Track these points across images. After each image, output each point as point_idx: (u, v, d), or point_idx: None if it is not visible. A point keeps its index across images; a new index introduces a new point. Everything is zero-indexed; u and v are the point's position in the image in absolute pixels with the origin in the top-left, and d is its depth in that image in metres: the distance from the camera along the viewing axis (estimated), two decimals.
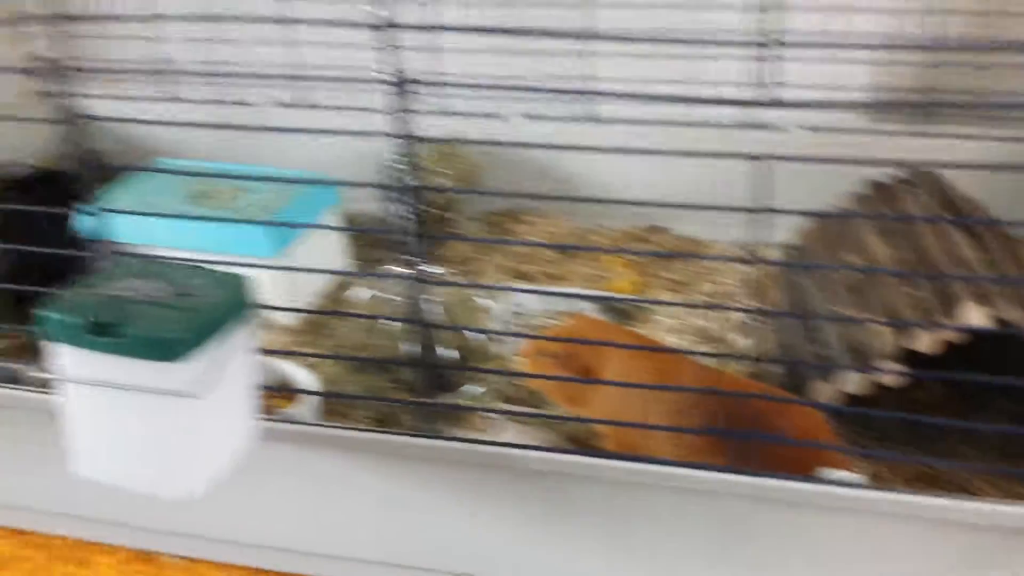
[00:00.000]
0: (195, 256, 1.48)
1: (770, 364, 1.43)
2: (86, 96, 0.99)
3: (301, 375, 1.37)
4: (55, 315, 0.89)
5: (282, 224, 1.62)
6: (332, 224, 1.83)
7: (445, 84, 0.81)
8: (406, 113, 0.81)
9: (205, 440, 0.96)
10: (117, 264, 1.01)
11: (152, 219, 1.59)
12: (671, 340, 1.59)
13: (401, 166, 0.87)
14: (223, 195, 1.70)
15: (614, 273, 1.81)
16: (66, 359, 0.92)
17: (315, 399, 1.34)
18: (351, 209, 1.93)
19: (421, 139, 0.87)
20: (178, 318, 0.89)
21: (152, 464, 0.96)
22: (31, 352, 1.58)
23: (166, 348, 0.87)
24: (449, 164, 1.90)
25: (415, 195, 0.87)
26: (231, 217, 1.61)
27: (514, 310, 1.50)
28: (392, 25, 0.77)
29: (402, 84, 0.78)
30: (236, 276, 0.98)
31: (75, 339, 0.89)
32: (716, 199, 1.01)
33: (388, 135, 0.86)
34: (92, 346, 0.88)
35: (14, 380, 1.39)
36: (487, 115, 1.91)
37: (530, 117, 1.96)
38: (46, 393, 1.19)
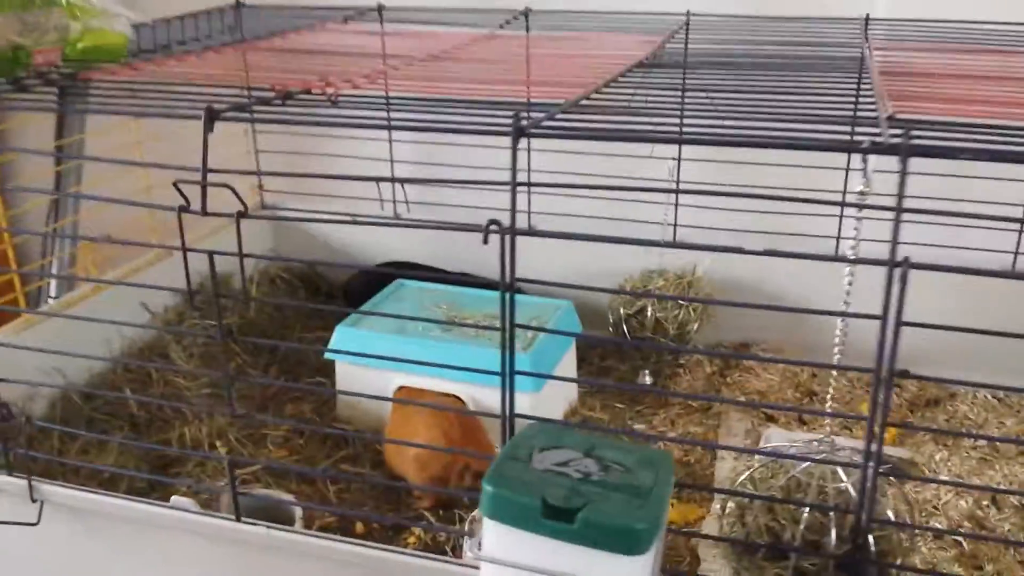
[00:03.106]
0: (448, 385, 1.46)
1: None
2: None
3: None
4: (504, 492, 0.83)
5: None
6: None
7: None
8: None
9: None
10: (528, 431, 0.94)
11: (407, 345, 1.57)
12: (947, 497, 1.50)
13: None
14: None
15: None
16: (499, 538, 0.85)
17: None
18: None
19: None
20: (633, 503, 0.83)
21: None
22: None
23: (633, 540, 0.80)
24: (687, 294, 1.87)
25: None
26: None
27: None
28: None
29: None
30: (658, 451, 0.92)
31: (525, 522, 0.82)
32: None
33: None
34: (546, 531, 0.82)
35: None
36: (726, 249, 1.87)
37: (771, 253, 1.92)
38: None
